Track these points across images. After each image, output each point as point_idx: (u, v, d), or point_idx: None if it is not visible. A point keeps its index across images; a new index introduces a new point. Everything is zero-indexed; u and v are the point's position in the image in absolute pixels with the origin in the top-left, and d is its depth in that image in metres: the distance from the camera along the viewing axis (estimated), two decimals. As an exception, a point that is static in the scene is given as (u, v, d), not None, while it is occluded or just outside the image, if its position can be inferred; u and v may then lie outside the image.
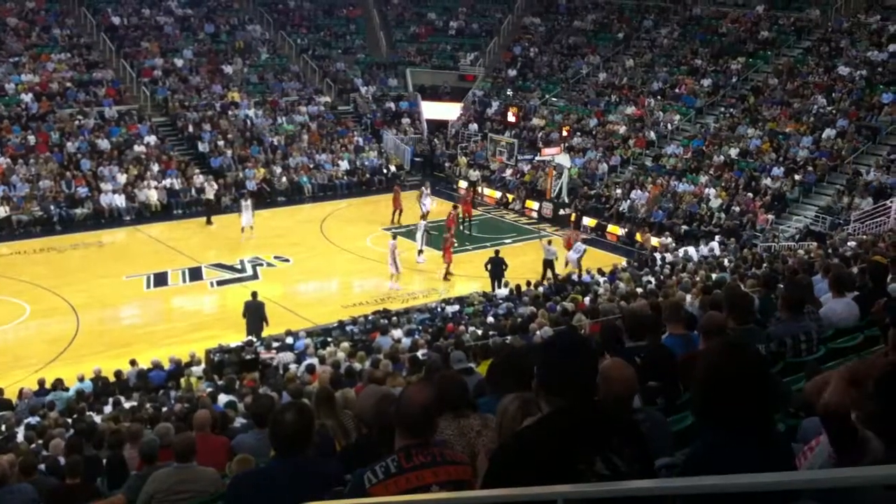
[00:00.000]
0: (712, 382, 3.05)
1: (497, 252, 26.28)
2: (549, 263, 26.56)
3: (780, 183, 31.20)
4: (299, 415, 4.63)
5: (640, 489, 2.45)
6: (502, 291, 23.78)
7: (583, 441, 2.97)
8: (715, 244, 27.50)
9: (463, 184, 38.26)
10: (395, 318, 21.26)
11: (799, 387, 5.52)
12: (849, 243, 20.36)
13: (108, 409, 15.09)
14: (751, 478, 2.22)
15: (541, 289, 22.62)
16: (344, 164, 38.87)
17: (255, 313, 21.76)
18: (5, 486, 7.96)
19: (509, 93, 44.14)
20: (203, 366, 18.76)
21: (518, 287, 23.08)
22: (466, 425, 4.55)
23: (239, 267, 27.68)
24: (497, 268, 25.47)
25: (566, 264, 27.31)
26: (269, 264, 28.15)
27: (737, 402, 2.97)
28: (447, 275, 27.27)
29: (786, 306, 7.01)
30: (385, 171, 39.42)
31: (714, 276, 19.41)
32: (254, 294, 22.43)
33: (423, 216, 30.97)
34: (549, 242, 27.61)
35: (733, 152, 33.87)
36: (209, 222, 32.46)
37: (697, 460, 3.00)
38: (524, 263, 27.16)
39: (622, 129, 38.23)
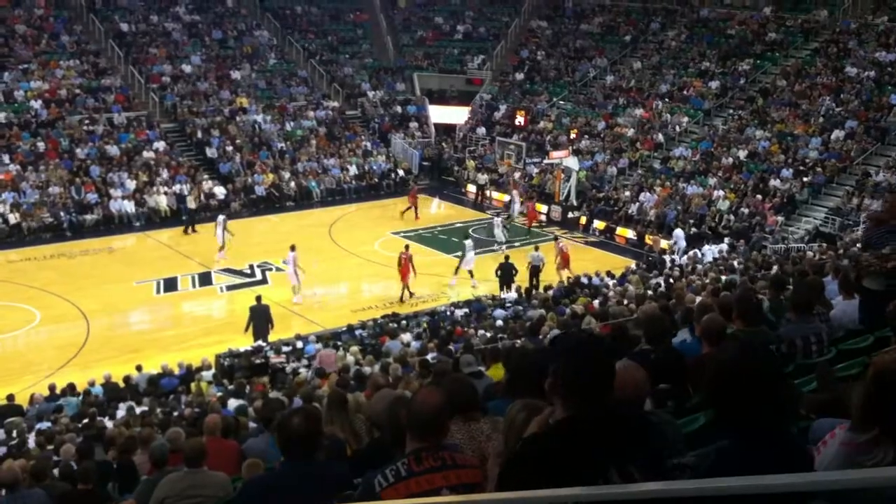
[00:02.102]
0: (727, 384, 3.03)
1: (507, 258, 26.24)
2: (535, 270, 26.37)
3: (789, 184, 31.13)
4: (307, 419, 4.64)
5: (651, 492, 2.45)
6: (511, 295, 23.77)
7: (598, 449, 2.94)
8: (724, 246, 27.47)
9: (471, 188, 38.37)
10: (404, 322, 21.29)
11: (810, 388, 5.51)
12: (858, 244, 20.27)
13: (120, 413, 15.12)
14: (761, 479, 2.21)
15: (550, 291, 22.60)
16: (352, 169, 38.93)
17: (261, 317, 21.79)
18: (17, 492, 7.99)
19: (517, 96, 44.16)
20: (213, 370, 18.80)
21: (528, 290, 23.07)
22: (476, 429, 4.54)
23: (248, 272, 27.72)
24: (507, 273, 25.43)
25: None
26: (278, 269, 28.15)
27: (752, 404, 2.95)
28: (403, 297, 25.49)
29: (795, 308, 6.98)
30: (393, 175, 39.48)
31: (724, 278, 19.36)
32: (258, 298, 22.46)
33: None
34: (536, 248, 27.38)
35: (742, 154, 33.81)
36: (193, 230, 31.90)
37: (713, 463, 2.99)
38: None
39: (630, 132, 38.19)
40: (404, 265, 25.50)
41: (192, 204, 33.57)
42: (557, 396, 3.22)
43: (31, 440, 13.68)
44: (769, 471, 2.36)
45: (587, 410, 3.07)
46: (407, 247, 26.61)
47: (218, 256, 28.45)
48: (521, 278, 25.74)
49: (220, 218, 29.32)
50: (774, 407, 3.00)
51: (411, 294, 25.65)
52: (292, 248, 25.48)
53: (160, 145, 36.65)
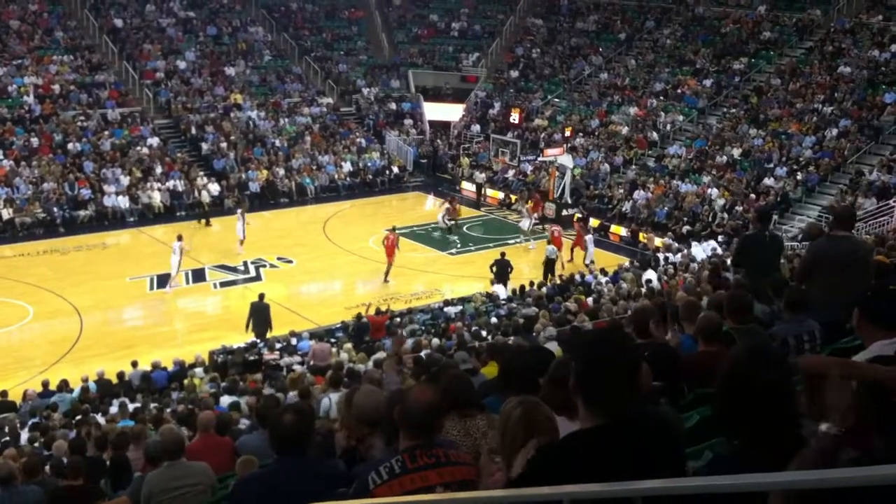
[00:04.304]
0: (738, 389, 2.97)
1: (503, 255, 26.24)
2: (550, 263, 26.56)
3: (783, 183, 31.18)
4: (298, 416, 4.63)
5: (648, 490, 2.43)
6: (501, 289, 23.86)
7: (627, 462, 2.79)
8: (714, 244, 27.53)
9: (466, 185, 38.33)
10: (397, 319, 21.28)
11: (802, 388, 5.51)
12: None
13: (113, 409, 15.11)
14: (760, 477, 2.21)
15: (544, 289, 22.62)
16: (346, 166, 38.86)
17: (259, 315, 21.73)
18: (13, 486, 7.98)
19: (512, 93, 44.14)
20: (207, 366, 18.79)
21: (522, 287, 23.08)
22: (473, 426, 4.54)
23: (242, 268, 27.70)
24: (502, 270, 25.39)
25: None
26: (272, 265, 28.15)
27: (763, 410, 2.90)
28: (387, 277, 26.80)
29: (788, 306, 6.99)
30: (388, 172, 39.43)
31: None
32: (261, 296, 22.39)
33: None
34: (549, 242, 27.71)
35: (736, 153, 33.85)
36: (207, 223, 32.44)
37: (723, 465, 2.91)
38: (527, 263, 27.20)
39: (624, 130, 38.20)
40: (390, 245, 26.70)
41: (206, 198, 34.02)
42: (579, 401, 3.03)
43: (24, 436, 13.66)
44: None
45: (614, 418, 2.90)
46: (394, 228, 27.77)
47: (239, 250, 28.78)
48: (521, 276, 25.71)
49: (238, 211, 29.75)
50: (786, 411, 2.94)
51: (386, 279, 26.60)
52: (179, 238, 26.06)
53: (154, 141, 36.54)
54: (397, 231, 27.82)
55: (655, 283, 20.70)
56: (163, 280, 26.29)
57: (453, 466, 3.77)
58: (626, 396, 2.96)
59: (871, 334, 4.09)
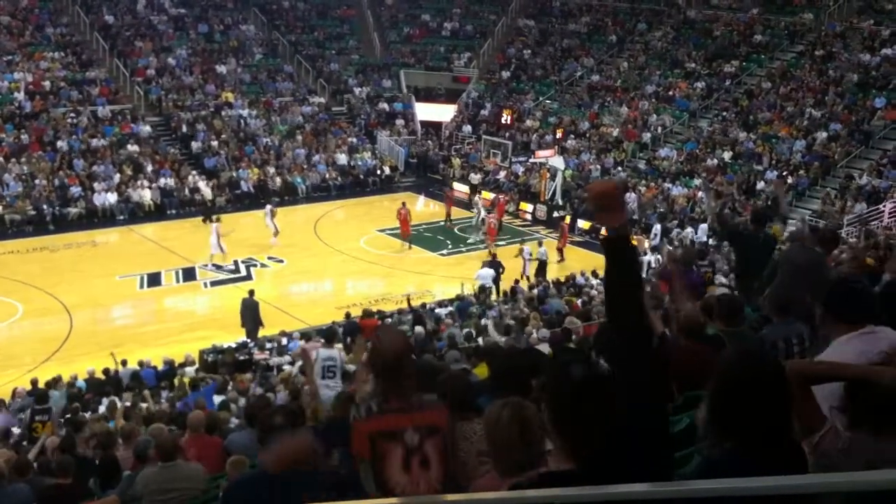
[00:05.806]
0: (730, 391, 2.96)
1: (494, 256, 26.28)
2: (542, 265, 26.62)
3: (773, 186, 31.26)
4: (288, 417, 4.64)
5: (635, 493, 2.42)
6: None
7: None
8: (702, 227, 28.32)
9: (458, 185, 38.20)
10: (388, 320, 21.24)
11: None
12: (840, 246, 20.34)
13: (102, 409, 15.05)
14: (751, 482, 2.21)
15: (535, 290, 22.63)
16: (338, 164, 38.78)
17: (249, 311, 21.71)
18: (1, 486, 7.95)
19: (503, 94, 44.16)
20: (196, 366, 18.74)
21: (513, 289, 23.09)
22: (469, 428, 4.52)
23: (232, 267, 27.62)
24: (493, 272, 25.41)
25: None
26: (262, 265, 28.09)
27: (755, 413, 2.89)
28: (409, 245, 29.86)
29: (774, 310, 7.04)
30: (379, 172, 39.38)
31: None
32: (251, 292, 22.38)
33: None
34: (540, 244, 27.75)
35: (727, 156, 33.94)
36: (210, 220, 32.04)
37: (714, 469, 2.89)
38: (517, 265, 27.21)
39: (615, 132, 38.26)
40: (403, 220, 29.70)
41: (209, 195, 34.32)
42: (553, 430, 2.89)
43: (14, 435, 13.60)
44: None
45: (592, 457, 2.73)
46: (404, 203, 30.71)
47: (272, 242, 29.61)
48: (510, 277, 25.73)
49: (268, 207, 30.45)
50: (780, 415, 2.93)
51: (410, 246, 29.79)
52: (218, 220, 27.76)
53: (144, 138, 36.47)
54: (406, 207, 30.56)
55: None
56: (153, 278, 26.28)
57: (424, 412, 3.86)
58: (599, 434, 2.74)
59: (834, 328, 4.18)
